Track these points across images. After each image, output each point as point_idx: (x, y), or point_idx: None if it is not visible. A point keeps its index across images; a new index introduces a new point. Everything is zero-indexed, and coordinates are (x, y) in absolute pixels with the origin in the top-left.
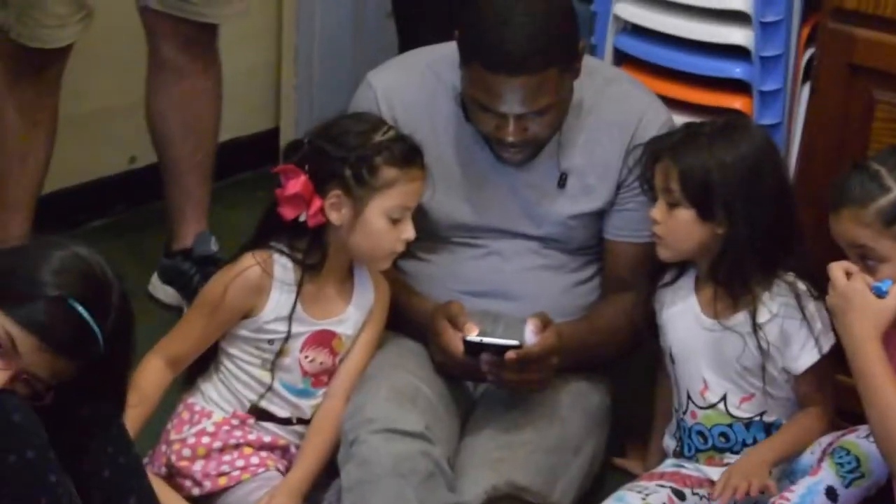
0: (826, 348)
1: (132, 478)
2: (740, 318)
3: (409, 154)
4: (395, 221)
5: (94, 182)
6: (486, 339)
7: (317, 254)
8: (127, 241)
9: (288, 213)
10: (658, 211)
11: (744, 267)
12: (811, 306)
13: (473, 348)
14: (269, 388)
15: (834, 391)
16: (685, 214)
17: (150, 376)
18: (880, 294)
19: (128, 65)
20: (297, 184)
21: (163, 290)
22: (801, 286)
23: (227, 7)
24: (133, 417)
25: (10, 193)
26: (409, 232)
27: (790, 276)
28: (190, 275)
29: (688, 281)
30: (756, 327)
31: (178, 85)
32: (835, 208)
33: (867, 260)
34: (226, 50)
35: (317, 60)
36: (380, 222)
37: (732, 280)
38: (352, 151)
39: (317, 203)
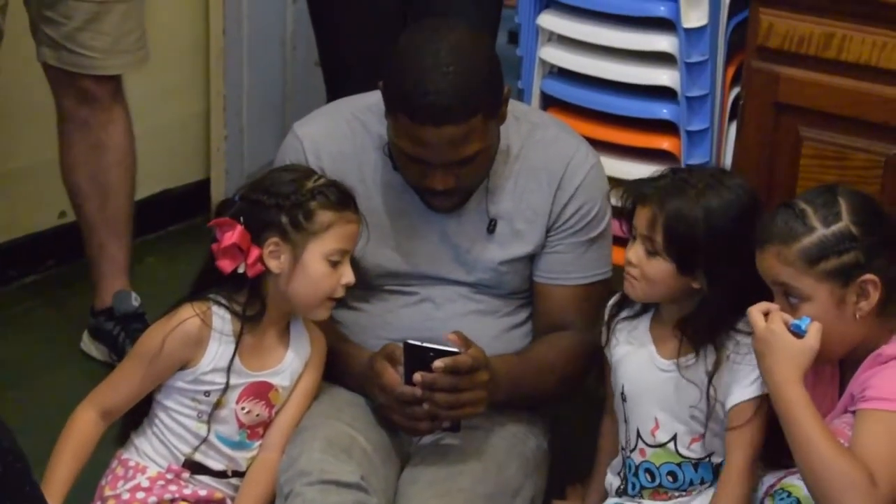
0: (757, 392)
1: None
2: (698, 367)
3: (342, 198)
4: (334, 265)
5: (23, 238)
6: (426, 343)
7: (256, 305)
8: (58, 297)
9: (226, 265)
10: (634, 254)
11: (716, 325)
12: None
13: (414, 353)
14: (205, 441)
15: (761, 439)
16: (663, 266)
17: (83, 428)
18: (798, 332)
19: (55, 119)
20: (233, 235)
21: (94, 346)
22: None
23: (125, 58)
24: (66, 471)
25: None
26: (348, 276)
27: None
28: (114, 334)
29: (644, 320)
30: (711, 379)
31: (81, 139)
32: (760, 245)
33: (790, 297)
34: (154, 102)
35: (246, 111)
36: (319, 267)
37: (700, 336)
38: (286, 198)
39: (254, 252)
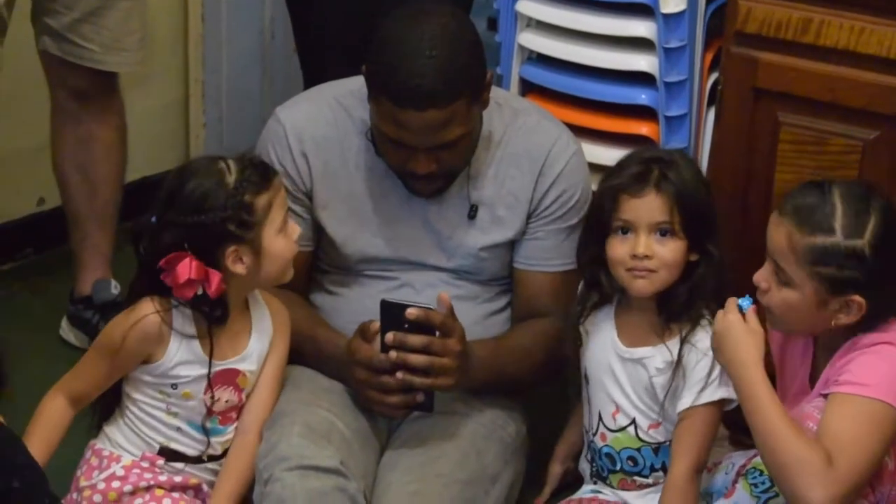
0: (708, 398)
1: None
2: (656, 351)
3: (264, 173)
4: (284, 231)
5: (1, 225)
6: (402, 300)
7: (219, 307)
8: (37, 284)
9: (187, 294)
10: (645, 246)
11: (705, 294)
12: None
13: (390, 312)
14: (178, 430)
15: (706, 448)
16: (679, 245)
17: (52, 414)
18: (741, 310)
19: (34, 106)
20: (185, 270)
21: (73, 334)
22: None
23: (125, 56)
24: (37, 455)
25: None
26: (296, 231)
27: (710, 314)
28: (93, 323)
29: (609, 306)
30: (680, 359)
31: (73, 130)
32: (782, 213)
33: (778, 274)
34: (133, 88)
35: (224, 97)
36: (277, 243)
37: (686, 308)
38: (224, 209)
39: (216, 277)
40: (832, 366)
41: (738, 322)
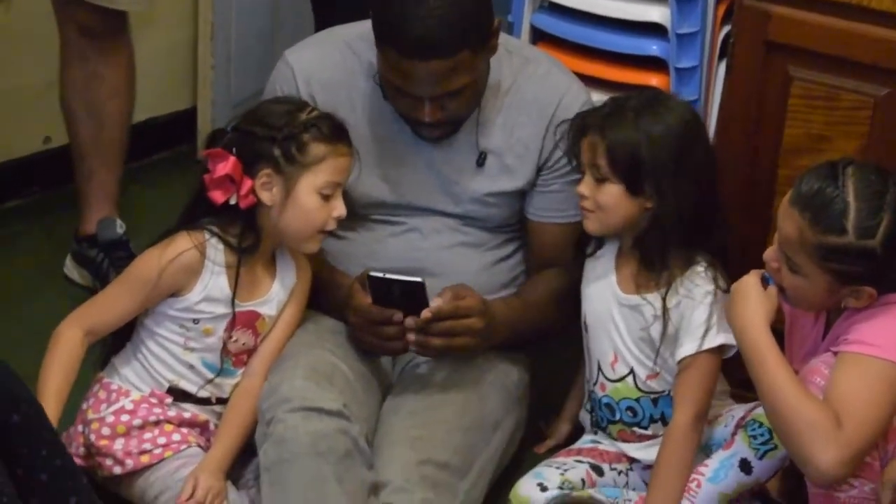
0: (708, 345)
1: (70, 479)
2: (650, 299)
3: (336, 131)
4: (325, 198)
5: (8, 162)
6: (389, 275)
7: (251, 237)
8: (42, 222)
9: (218, 196)
10: (585, 186)
11: (667, 242)
12: (718, 297)
13: (378, 286)
14: (191, 367)
15: (707, 396)
16: (613, 189)
17: (71, 347)
18: (766, 282)
19: (42, 44)
20: (226, 166)
21: (77, 272)
22: (714, 273)
23: None
24: (59, 384)
25: None
26: (340, 209)
27: (705, 262)
28: (98, 261)
29: (609, 251)
30: (665, 310)
31: (81, 69)
32: (793, 203)
33: (787, 261)
34: (142, 29)
35: (234, 39)
36: (311, 199)
37: (654, 255)
38: (279, 130)
39: (247, 183)
40: (841, 323)
41: (753, 285)
